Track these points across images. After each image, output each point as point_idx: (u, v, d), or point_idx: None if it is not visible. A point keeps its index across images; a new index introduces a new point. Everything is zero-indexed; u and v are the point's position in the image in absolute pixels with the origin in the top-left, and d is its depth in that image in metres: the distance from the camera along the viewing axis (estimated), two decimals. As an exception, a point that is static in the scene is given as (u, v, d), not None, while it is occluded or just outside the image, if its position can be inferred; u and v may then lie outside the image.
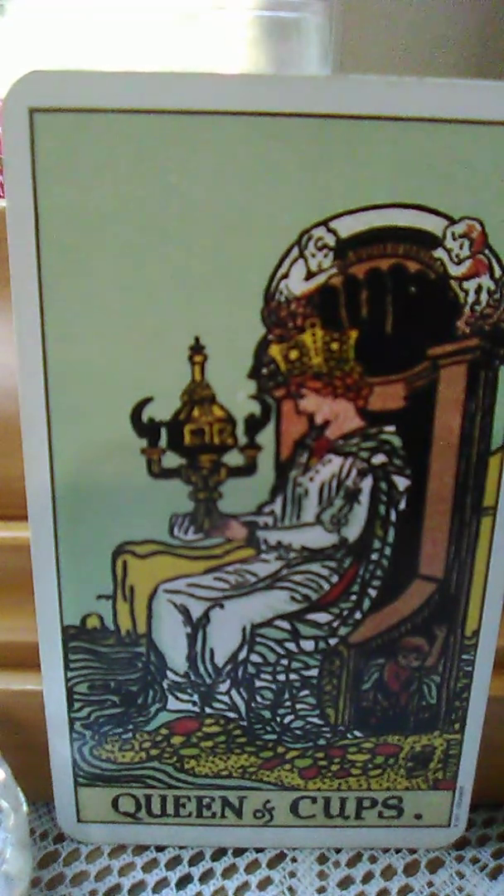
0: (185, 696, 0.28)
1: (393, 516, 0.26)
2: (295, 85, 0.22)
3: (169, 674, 0.28)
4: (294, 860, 0.30)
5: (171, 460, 0.25)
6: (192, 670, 0.28)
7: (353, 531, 0.26)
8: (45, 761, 0.29)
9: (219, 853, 0.31)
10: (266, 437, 0.25)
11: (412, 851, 0.31)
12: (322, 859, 0.31)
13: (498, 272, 0.23)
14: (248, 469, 0.25)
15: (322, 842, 0.31)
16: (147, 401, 0.24)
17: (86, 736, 0.28)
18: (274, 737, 0.29)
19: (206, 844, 0.31)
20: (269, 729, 0.29)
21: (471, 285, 0.23)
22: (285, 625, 0.27)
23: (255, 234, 0.23)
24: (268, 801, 0.30)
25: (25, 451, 0.25)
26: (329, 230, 0.23)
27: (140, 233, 0.23)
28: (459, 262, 0.23)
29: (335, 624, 0.27)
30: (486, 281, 0.23)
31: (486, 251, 0.23)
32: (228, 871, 0.30)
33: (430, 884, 0.30)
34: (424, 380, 0.24)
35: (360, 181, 0.22)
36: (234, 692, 0.28)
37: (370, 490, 0.25)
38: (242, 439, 0.25)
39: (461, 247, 0.23)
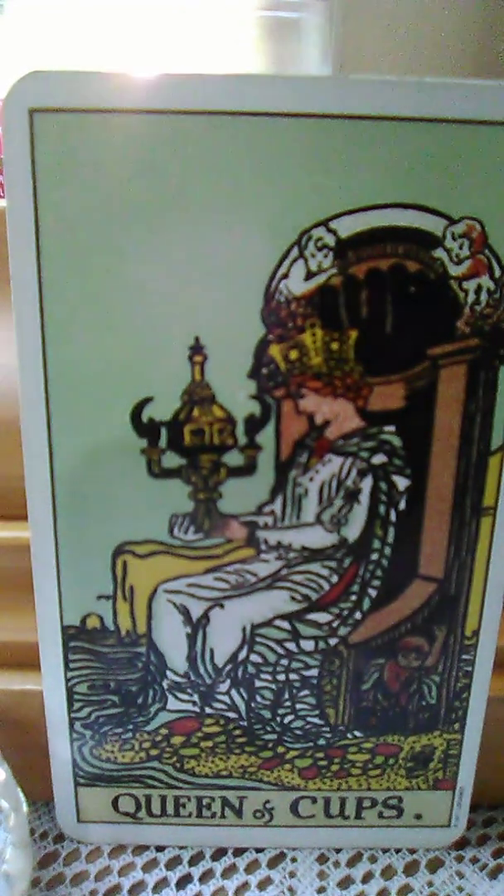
0: (185, 696, 0.28)
1: (393, 516, 0.26)
2: (295, 85, 0.22)
3: (169, 674, 0.28)
4: (294, 860, 0.30)
5: (171, 460, 0.25)
6: (192, 670, 0.28)
7: (353, 531, 0.26)
8: (45, 761, 0.29)
9: (219, 853, 0.31)
10: (266, 437, 0.25)
11: (412, 851, 0.31)
12: (322, 859, 0.31)
13: (498, 272, 0.23)
14: (248, 469, 0.25)
15: (322, 842, 0.31)
16: (147, 401, 0.24)
17: (86, 736, 0.29)
18: (274, 737, 0.29)
19: (206, 844, 0.31)
20: (269, 729, 0.29)
21: (471, 285, 0.23)
22: (285, 625, 0.27)
23: (255, 234, 0.23)
24: (268, 801, 0.30)
25: (25, 451, 0.25)
26: (329, 230, 0.23)
27: (140, 233, 0.23)
28: (459, 262, 0.23)
29: (335, 624, 0.27)
30: (485, 281, 0.23)
31: (486, 251, 0.23)
32: (228, 871, 0.30)
33: (430, 884, 0.30)
34: (424, 380, 0.24)
35: (360, 181, 0.22)
36: (234, 692, 0.28)
37: (370, 490, 0.25)
38: (242, 439, 0.25)
39: (461, 247, 0.23)
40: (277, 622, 0.27)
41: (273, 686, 0.28)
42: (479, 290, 0.23)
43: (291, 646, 0.27)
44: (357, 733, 0.29)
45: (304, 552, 0.26)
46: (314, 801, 0.30)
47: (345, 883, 0.30)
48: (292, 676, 0.28)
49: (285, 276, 0.23)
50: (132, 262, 0.23)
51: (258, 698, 0.28)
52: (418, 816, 0.30)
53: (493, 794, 0.32)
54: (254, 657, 0.27)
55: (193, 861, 0.30)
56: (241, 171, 0.22)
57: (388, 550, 0.26)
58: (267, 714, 0.28)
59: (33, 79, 0.21)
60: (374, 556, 0.26)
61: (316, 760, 0.29)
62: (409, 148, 0.22)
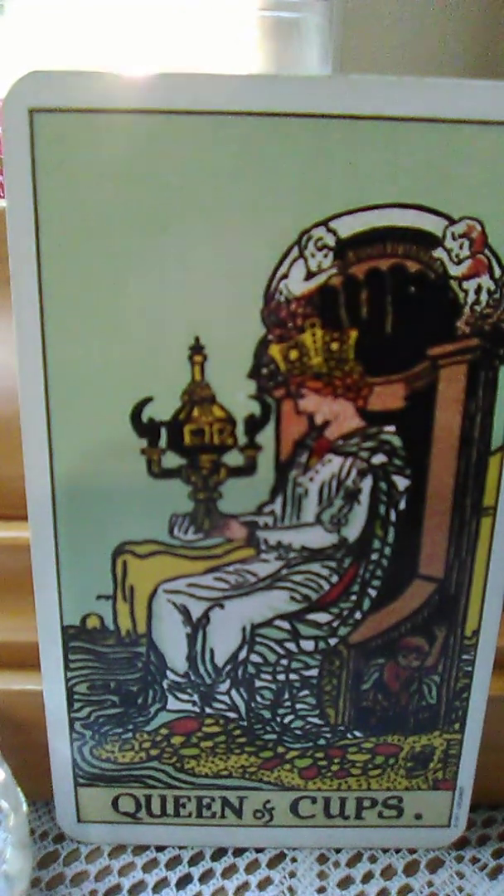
0: (185, 696, 0.28)
1: (393, 516, 0.26)
2: (295, 85, 0.22)
3: (169, 674, 0.28)
4: (294, 860, 0.30)
5: (171, 460, 0.25)
6: (192, 670, 0.28)
7: (353, 531, 0.26)
8: (45, 761, 0.29)
9: (219, 853, 0.31)
10: (266, 437, 0.25)
11: (412, 851, 0.31)
12: (322, 859, 0.31)
13: (498, 272, 0.23)
14: (248, 469, 0.25)
15: (322, 842, 0.31)
16: (147, 401, 0.24)
17: (86, 736, 0.29)
18: (274, 737, 0.29)
19: (206, 844, 0.31)
20: (269, 729, 0.29)
21: (471, 285, 0.23)
22: (285, 625, 0.27)
23: (255, 234, 0.23)
24: (268, 801, 0.30)
25: (25, 451, 0.25)
26: (329, 230, 0.23)
27: (140, 232, 0.23)
28: (459, 262, 0.23)
29: (335, 624, 0.27)
30: (485, 281, 0.23)
31: (486, 251, 0.23)
32: (228, 871, 0.30)
33: (430, 884, 0.30)
34: (424, 380, 0.24)
35: (360, 181, 0.22)
36: (234, 692, 0.28)
37: (370, 490, 0.25)
38: (242, 439, 0.25)
39: (461, 247, 0.23)
40: (277, 622, 0.27)
41: (273, 686, 0.28)
42: (479, 290, 0.23)
43: (291, 646, 0.27)
44: (357, 733, 0.29)
45: (304, 552, 0.26)
46: (314, 801, 0.30)
47: (345, 883, 0.30)
48: (292, 676, 0.28)
49: (285, 276, 0.23)
50: (132, 262, 0.23)
51: (258, 698, 0.28)
52: (418, 816, 0.30)
53: (493, 794, 0.32)
54: (254, 657, 0.27)
55: (193, 861, 0.30)
56: (241, 171, 0.22)
57: (388, 550, 0.26)
58: (267, 714, 0.28)
59: (33, 79, 0.21)
60: (374, 556, 0.26)
61: (316, 760, 0.29)
62: (409, 148, 0.22)
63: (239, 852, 0.31)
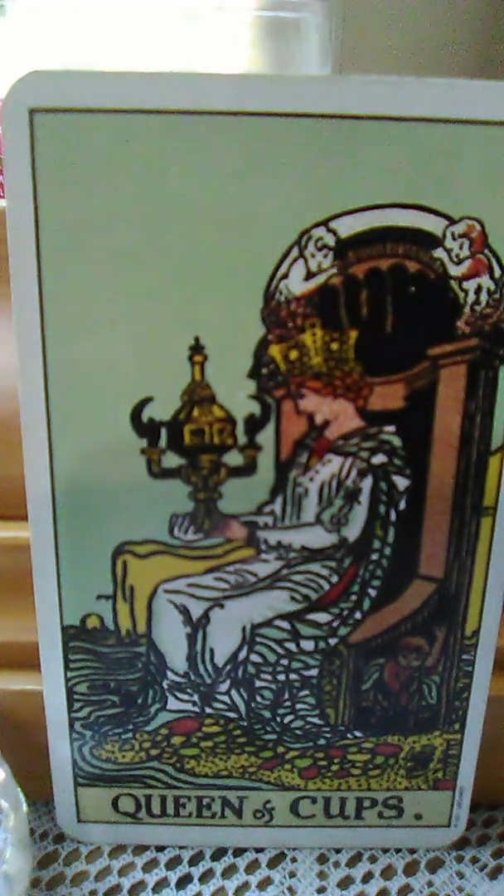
0: (185, 696, 0.28)
1: (393, 516, 0.26)
2: (295, 85, 0.22)
3: (169, 674, 0.28)
4: (294, 860, 0.30)
5: (171, 460, 0.25)
6: (192, 670, 0.28)
7: (353, 531, 0.26)
8: (45, 761, 0.29)
9: (219, 853, 0.31)
10: (266, 437, 0.25)
11: (412, 851, 0.31)
12: (322, 859, 0.31)
13: (498, 272, 0.23)
14: (248, 469, 0.25)
15: (322, 842, 0.31)
16: (147, 401, 0.24)
17: (86, 736, 0.29)
18: (274, 737, 0.29)
19: (206, 844, 0.31)
20: (269, 729, 0.29)
21: (471, 285, 0.23)
22: (285, 625, 0.27)
23: (255, 234, 0.23)
24: (268, 801, 0.30)
25: (25, 451, 0.25)
26: (329, 230, 0.23)
27: (140, 233, 0.23)
28: (459, 262, 0.23)
29: (335, 624, 0.27)
30: (485, 281, 0.23)
31: (486, 251, 0.23)
32: (228, 871, 0.30)
33: (430, 884, 0.30)
34: (424, 380, 0.24)
35: (360, 181, 0.22)
36: (234, 692, 0.28)
37: (370, 490, 0.25)
38: (242, 439, 0.25)
39: (461, 247, 0.23)
40: (277, 622, 0.27)
41: (273, 686, 0.28)
42: (479, 290, 0.23)
43: (291, 646, 0.27)
44: (357, 733, 0.29)
45: (304, 552, 0.26)
46: (314, 801, 0.30)
47: (345, 883, 0.30)
48: (292, 676, 0.28)
49: (285, 276, 0.23)
50: (132, 262, 0.23)
51: (258, 698, 0.28)
52: (418, 816, 0.30)
53: (493, 794, 0.32)
54: (254, 657, 0.27)
55: (193, 861, 0.30)
56: (240, 171, 0.22)
57: (388, 550, 0.26)
58: (267, 714, 0.28)
59: (33, 79, 0.21)
60: (374, 556, 0.26)
61: (316, 760, 0.29)
62: (409, 148, 0.22)
63: (239, 852, 0.31)
